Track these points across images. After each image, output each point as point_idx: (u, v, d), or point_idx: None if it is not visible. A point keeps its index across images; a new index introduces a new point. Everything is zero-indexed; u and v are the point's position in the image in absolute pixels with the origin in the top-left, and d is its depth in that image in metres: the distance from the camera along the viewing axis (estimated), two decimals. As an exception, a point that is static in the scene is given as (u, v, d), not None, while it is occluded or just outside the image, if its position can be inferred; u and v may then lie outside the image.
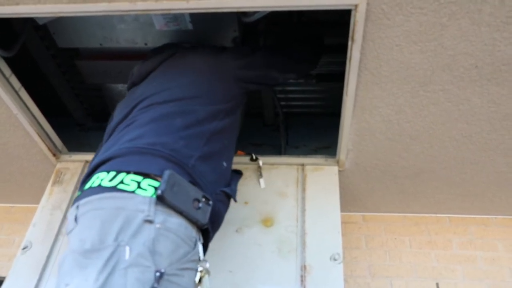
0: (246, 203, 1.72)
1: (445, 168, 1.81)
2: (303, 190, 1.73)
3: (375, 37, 1.27)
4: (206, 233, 1.19)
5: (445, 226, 2.16)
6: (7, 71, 1.59)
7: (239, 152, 1.88)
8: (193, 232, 1.11)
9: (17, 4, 1.27)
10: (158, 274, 0.95)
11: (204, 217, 1.13)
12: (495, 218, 2.16)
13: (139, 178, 1.07)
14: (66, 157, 1.94)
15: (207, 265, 1.11)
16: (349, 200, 2.10)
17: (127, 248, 0.96)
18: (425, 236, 2.13)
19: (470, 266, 2.01)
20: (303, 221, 1.64)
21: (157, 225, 1.01)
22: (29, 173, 2.06)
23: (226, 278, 1.52)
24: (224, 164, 1.36)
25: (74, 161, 1.93)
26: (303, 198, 1.70)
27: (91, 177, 1.13)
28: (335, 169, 1.79)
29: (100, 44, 1.82)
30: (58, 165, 1.92)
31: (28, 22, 1.77)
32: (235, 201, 1.39)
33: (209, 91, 1.39)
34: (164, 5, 1.24)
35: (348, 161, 1.80)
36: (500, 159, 1.72)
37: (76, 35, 1.79)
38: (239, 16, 1.63)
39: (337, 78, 2.05)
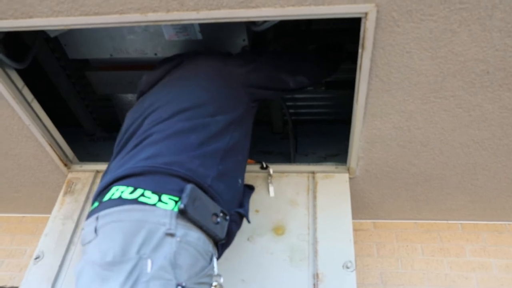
0: (257, 211, 1.72)
1: (456, 175, 1.80)
2: (314, 198, 1.72)
3: (385, 44, 1.27)
4: (218, 249, 1.20)
5: (457, 232, 2.14)
6: (19, 83, 1.61)
7: (249, 160, 1.88)
8: (210, 247, 1.12)
9: (31, 17, 1.29)
10: (176, 287, 0.95)
11: (222, 232, 1.14)
12: (509, 224, 2.13)
13: (159, 193, 1.07)
14: (77, 167, 1.95)
15: (222, 280, 1.12)
16: (360, 207, 2.09)
17: (149, 261, 0.96)
18: (437, 243, 2.11)
19: (484, 274, 1.99)
20: (315, 229, 1.63)
21: (178, 239, 1.02)
22: (40, 183, 2.07)
23: (238, 287, 1.51)
24: (239, 181, 1.36)
25: (85, 171, 1.94)
26: (314, 206, 1.70)
27: (109, 189, 1.13)
28: (345, 176, 1.79)
29: (110, 55, 1.83)
30: (69, 175, 1.93)
31: (39, 34, 1.80)
32: (248, 222, 1.38)
33: (217, 97, 1.39)
34: (175, 16, 1.25)
35: (358, 168, 1.79)
36: (512, 164, 1.71)
37: (86, 46, 1.81)
38: (248, 26, 1.64)
39: (346, 85, 2.06)
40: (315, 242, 1.59)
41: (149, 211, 1.04)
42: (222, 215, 1.15)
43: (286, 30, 1.90)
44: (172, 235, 1.01)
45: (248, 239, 1.63)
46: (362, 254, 2.11)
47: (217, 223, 1.12)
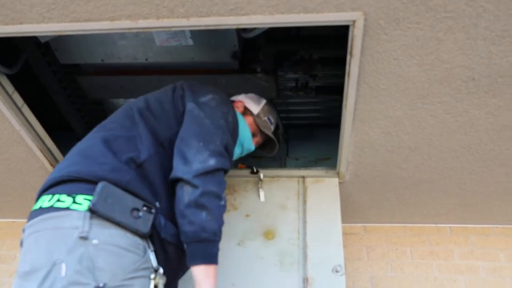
0: (247, 216, 1.73)
1: (445, 179, 1.82)
2: (304, 202, 1.74)
3: (373, 51, 1.29)
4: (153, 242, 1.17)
5: (446, 236, 2.16)
6: (10, 88, 1.60)
7: (240, 165, 1.89)
8: (137, 240, 1.10)
9: (21, 23, 1.29)
10: None
11: (145, 226, 1.12)
12: (496, 227, 2.16)
13: (74, 194, 1.08)
14: (67, 172, 1.95)
15: (161, 270, 1.12)
16: (350, 211, 2.11)
17: (63, 265, 0.96)
18: (426, 247, 2.13)
19: (472, 276, 2.01)
20: (305, 234, 1.64)
21: (94, 241, 1.01)
22: (30, 188, 2.07)
23: (228, 291, 1.53)
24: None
25: (75, 175, 1.93)
26: (304, 210, 1.71)
27: (37, 200, 1.15)
28: (335, 181, 1.81)
29: (102, 60, 1.84)
30: (60, 180, 1.92)
31: (30, 40, 1.80)
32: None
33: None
34: (165, 22, 1.26)
35: (348, 173, 1.81)
36: (498, 169, 1.73)
37: (77, 51, 1.82)
38: (238, 32, 1.66)
39: (336, 90, 2.08)
40: (305, 246, 1.61)
41: (62, 216, 1.04)
42: (145, 209, 1.13)
43: (277, 36, 1.92)
44: (85, 238, 1.01)
45: (238, 244, 1.64)
46: (352, 257, 2.13)
47: (139, 217, 1.11)
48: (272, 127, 1.70)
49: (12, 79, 1.62)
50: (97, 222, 1.04)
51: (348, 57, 1.31)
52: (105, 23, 1.27)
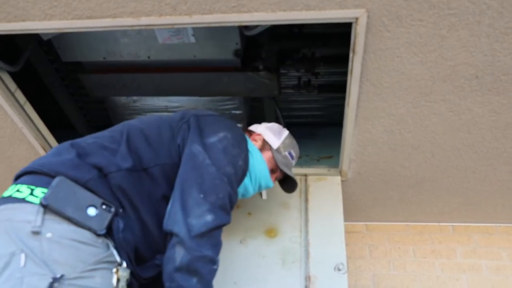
0: (249, 214, 1.73)
1: (448, 177, 1.82)
2: (306, 200, 1.74)
3: (376, 49, 1.28)
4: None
5: (449, 234, 2.16)
6: (12, 85, 1.61)
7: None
8: (94, 236, 1.09)
9: (24, 20, 1.29)
10: (51, 280, 0.95)
11: (99, 225, 1.09)
12: (499, 226, 2.15)
13: (33, 186, 1.07)
14: (70, 169, 1.95)
15: (124, 264, 1.11)
16: (352, 210, 2.11)
17: (23, 256, 0.96)
18: (428, 245, 2.12)
19: (475, 275, 2.01)
20: (307, 232, 1.64)
21: (48, 234, 1.01)
22: (33, 186, 2.07)
23: (230, 289, 1.52)
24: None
25: (78, 173, 1.93)
26: (306, 209, 1.71)
27: None
28: (337, 179, 1.80)
29: (104, 58, 1.84)
30: (62, 178, 1.92)
31: (32, 37, 1.80)
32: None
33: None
34: (167, 20, 1.26)
35: (350, 171, 1.81)
36: (502, 167, 1.72)
37: (80, 49, 1.82)
38: (240, 29, 1.65)
39: (339, 88, 2.07)
40: (307, 244, 1.60)
41: (16, 209, 1.04)
42: (104, 207, 1.11)
43: (279, 33, 1.92)
44: (37, 233, 1.00)
45: (240, 242, 1.64)
46: (354, 256, 2.12)
47: (95, 215, 1.09)
48: (293, 162, 1.55)
49: (14, 76, 1.62)
50: (50, 217, 1.04)
51: (350, 55, 1.31)
52: (107, 21, 1.27)
